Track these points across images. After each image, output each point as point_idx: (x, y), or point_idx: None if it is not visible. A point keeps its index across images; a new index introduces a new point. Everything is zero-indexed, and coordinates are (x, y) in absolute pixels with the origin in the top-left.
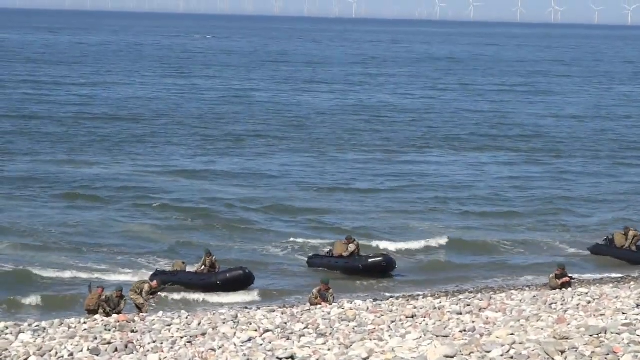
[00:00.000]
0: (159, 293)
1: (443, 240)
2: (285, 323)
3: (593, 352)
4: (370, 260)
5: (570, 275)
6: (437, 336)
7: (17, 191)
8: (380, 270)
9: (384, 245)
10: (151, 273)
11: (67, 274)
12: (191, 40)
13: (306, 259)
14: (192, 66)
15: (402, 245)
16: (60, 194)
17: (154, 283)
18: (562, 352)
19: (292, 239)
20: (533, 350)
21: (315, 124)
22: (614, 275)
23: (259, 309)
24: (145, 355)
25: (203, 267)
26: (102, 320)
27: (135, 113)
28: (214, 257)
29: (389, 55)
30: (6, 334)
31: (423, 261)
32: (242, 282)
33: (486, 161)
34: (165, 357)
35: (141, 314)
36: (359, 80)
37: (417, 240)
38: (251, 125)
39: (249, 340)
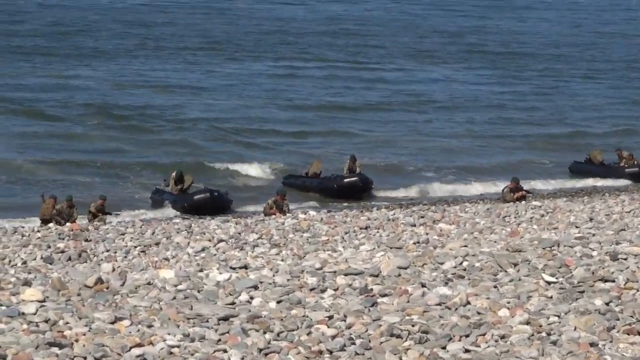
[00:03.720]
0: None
1: (408, 151)
2: (239, 233)
3: (545, 264)
4: (346, 180)
5: (526, 189)
6: (390, 247)
7: None
8: (356, 191)
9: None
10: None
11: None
12: None
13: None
14: None
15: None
16: (32, 108)
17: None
18: (515, 264)
19: (269, 161)
20: (486, 263)
21: (281, 36)
22: (568, 188)
23: (212, 219)
24: (99, 264)
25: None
26: (56, 229)
27: (100, 25)
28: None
29: None
30: None
31: (381, 173)
32: (210, 206)
33: (464, 75)
34: (119, 266)
35: (95, 224)
36: None
37: (383, 153)
38: (219, 36)
39: (203, 250)
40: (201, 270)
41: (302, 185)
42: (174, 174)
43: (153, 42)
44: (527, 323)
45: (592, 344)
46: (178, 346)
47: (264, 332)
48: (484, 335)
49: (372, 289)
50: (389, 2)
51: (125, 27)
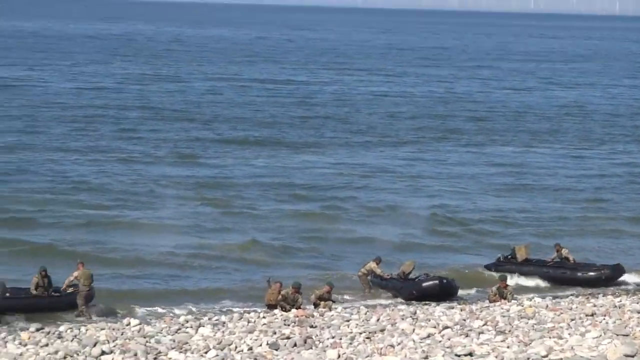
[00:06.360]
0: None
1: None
2: (464, 320)
3: None
4: (592, 272)
5: None
6: (617, 335)
7: (212, 191)
8: (604, 284)
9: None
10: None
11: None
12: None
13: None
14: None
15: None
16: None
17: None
18: None
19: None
20: None
21: (491, 118)
22: None
23: (437, 305)
24: (324, 351)
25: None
26: (281, 315)
27: (312, 109)
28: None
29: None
30: (186, 327)
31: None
32: (439, 293)
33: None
34: (344, 353)
35: (320, 310)
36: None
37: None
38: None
39: (428, 336)
40: (426, 357)
41: (544, 274)
42: (372, 262)
43: (360, 135)
44: None
45: None
46: None
47: None
48: None
49: None
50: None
51: (329, 119)
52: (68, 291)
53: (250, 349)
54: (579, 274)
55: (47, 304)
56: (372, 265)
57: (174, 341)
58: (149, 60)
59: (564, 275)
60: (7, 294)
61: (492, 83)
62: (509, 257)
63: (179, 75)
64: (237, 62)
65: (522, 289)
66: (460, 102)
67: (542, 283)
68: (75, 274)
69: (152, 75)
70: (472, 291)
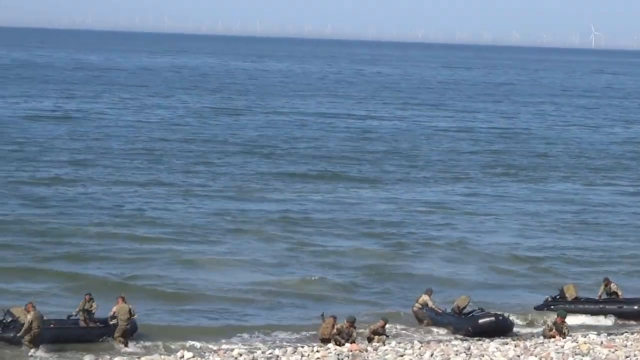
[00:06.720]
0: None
1: None
2: (519, 356)
3: None
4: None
5: None
6: None
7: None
8: None
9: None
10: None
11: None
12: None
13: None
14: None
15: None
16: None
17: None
18: None
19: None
20: None
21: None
22: None
23: (491, 341)
24: None
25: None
26: (335, 349)
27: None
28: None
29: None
30: None
31: None
32: (495, 330)
33: None
34: None
35: (374, 344)
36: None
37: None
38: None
39: None
40: None
41: (600, 310)
42: (425, 295)
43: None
44: None
45: None
46: None
47: None
48: None
49: None
50: None
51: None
52: (112, 322)
53: None
54: (636, 307)
55: (92, 335)
56: (425, 298)
57: None
58: (210, 94)
59: (620, 310)
60: (52, 325)
61: (552, 119)
62: (557, 297)
63: (239, 109)
64: (298, 95)
65: (576, 326)
66: (520, 137)
67: (597, 320)
68: (114, 308)
69: (212, 109)
70: (528, 329)
